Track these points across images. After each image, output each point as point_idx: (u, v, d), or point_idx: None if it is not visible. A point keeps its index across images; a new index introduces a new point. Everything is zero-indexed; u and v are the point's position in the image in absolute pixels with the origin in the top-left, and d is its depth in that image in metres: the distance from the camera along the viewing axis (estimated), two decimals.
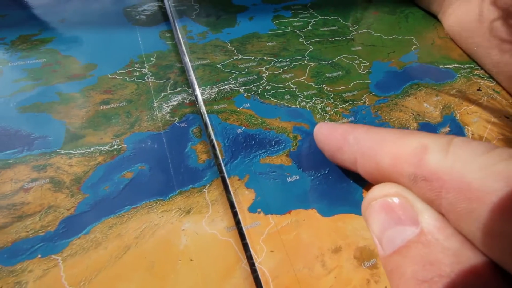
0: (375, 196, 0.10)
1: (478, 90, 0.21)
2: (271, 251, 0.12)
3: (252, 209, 0.13)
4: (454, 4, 0.22)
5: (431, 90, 0.20)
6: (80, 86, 0.15)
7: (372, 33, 0.23)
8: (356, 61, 0.20)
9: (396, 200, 0.10)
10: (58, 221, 0.11)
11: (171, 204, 0.13)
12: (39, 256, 0.11)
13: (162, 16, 0.20)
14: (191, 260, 0.12)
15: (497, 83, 0.21)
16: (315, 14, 0.23)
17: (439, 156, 0.09)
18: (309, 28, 0.21)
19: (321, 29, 0.22)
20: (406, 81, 0.20)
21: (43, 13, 0.18)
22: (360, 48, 0.21)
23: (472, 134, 0.18)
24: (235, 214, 0.13)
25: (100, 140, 0.14)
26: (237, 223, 0.13)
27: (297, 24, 0.22)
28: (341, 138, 0.12)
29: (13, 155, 0.12)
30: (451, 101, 0.20)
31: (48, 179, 0.12)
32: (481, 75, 0.22)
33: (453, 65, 0.22)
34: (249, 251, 0.12)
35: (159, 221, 0.12)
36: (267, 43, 0.20)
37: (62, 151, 0.13)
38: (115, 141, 0.14)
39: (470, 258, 0.08)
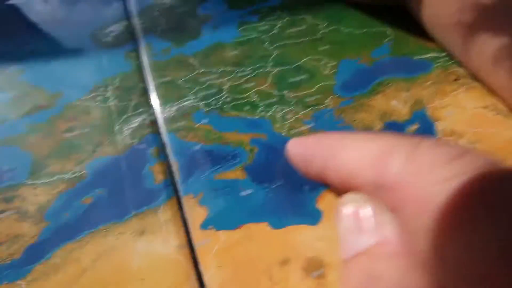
0: (345, 201, 0.10)
1: (456, 80, 0.19)
2: (219, 266, 0.12)
3: (204, 226, 0.13)
4: None
5: (402, 85, 0.18)
6: (47, 115, 0.16)
7: (343, 29, 0.21)
8: (322, 62, 0.19)
9: (362, 207, 0.09)
10: (23, 249, 0.12)
11: (126, 227, 0.13)
12: (6, 282, 0.11)
13: (128, 35, 0.19)
14: (142, 279, 0.12)
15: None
16: (283, 15, 0.21)
17: (403, 162, 0.08)
18: (274, 32, 0.20)
19: (287, 31, 0.20)
20: (375, 78, 0.18)
21: (15, 46, 0.18)
22: (328, 47, 0.20)
23: (444, 129, 0.17)
24: (187, 233, 0.13)
25: (63, 168, 0.14)
26: (189, 241, 0.13)
27: (263, 28, 0.20)
28: (309, 154, 0.11)
29: None
30: (423, 95, 0.18)
31: (15, 210, 0.13)
32: (460, 63, 0.20)
33: (429, 55, 0.20)
34: (199, 268, 0.12)
35: (115, 243, 0.12)
36: (230, 53, 0.19)
37: (28, 182, 0.13)
38: (77, 168, 0.14)
39: (412, 282, 0.07)
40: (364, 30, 0.21)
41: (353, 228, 0.09)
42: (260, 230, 0.13)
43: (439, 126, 0.17)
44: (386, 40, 0.21)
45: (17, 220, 0.13)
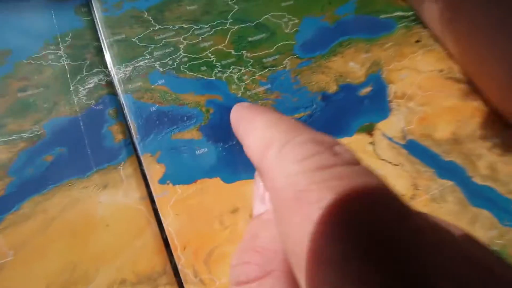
0: (257, 173, 0.12)
1: (417, 41, 0.21)
2: (177, 214, 0.15)
3: (162, 181, 0.16)
4: None
5: (363, 45, 0.20)
6: None
7: None
8: (285, 19, 0.20)
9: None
10: None
11: (89, 181, 0.15)
12: None
13: None
14: (107, 225, 0.15)
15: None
16: None
17: (274, 155, 0.09)
18: None
19: None
20: (336, 38, 0.20)
21: None
22: (291, 2, 0.21)
23: (396, 92, 0.19)
24: (147, 186, 0.16)
25: (21, 128, 0.16)
26: (149, 194, 0.16)
27: None
28: (236, 125, 0.14)
29: None
30: (382, 57, 0.20)
31: None
32: (424, 24, 0.21)
33: (395, 14, 0.22)
34: (159, 215, 0.15)
35: (79, 196, 0.15)
36: (188, 7, 0.20)
37: None
38: (35, 127, 0.16)
39: (275, 244, 0.09)
40: None
41: (260, 196, 0.12)
42: (213, 184, 0.16)
43: (392, 88, 0.19)
44: None
45: None
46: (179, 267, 0.15)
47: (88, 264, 0.14)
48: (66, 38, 0.18)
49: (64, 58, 0.17)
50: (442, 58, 0.21)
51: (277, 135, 0.10)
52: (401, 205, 0.07)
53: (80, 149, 0.16)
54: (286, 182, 0.08)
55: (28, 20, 0.18)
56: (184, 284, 0.14)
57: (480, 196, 0.17)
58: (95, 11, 0.19)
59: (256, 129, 0.11)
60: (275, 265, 0.09)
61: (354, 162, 0.08)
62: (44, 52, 0.17)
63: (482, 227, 0.17)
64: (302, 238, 0.07)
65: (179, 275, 0.15)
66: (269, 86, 0.18)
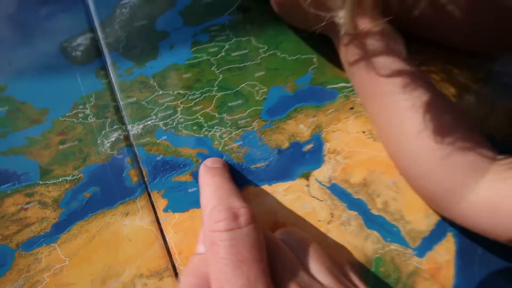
0: None
1: (351, 108, 0.29)
2: (175, 232, 0.23)
3: (166, 210, 0.24)
4: None
5: (311, 111, 0.28)
6: (40, 130, 0.23)
7: (279, 54, 0.29)
8: (256, 88, 0.27)
9: None
10: (50, 225, 0.21)
11: (116, 211, 0.23)
12: (44, 245, 0.21)
13: (95, 51, 0.25)
14: (130, 240, 0.23)
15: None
16: (231, 35, 0.28)
17: (207, 213, 0.18)
18: (222, 54, 0.27)
19: (233, 54, 0.27)
20: (293, 105, 0.28)
21: None
22: (263, 73, 0.28)
23: (329, 149, 0.28)
24: (155, 214, 0.24)
25: (64, 172, 0.22)
26: (157, 219, 0.24)
27: (212, 50, 0.27)
28: (199, 180, 0.23)
29: (9, 188, 0.21)
30: (323, 121, 0.28)
31: (37, 201, 0.22)
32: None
33: (339, 84, 0.29)
34: (163, 233, 0.23)
35: (110, 221, 0.22)
36: (184, 75, 0.26)
37: (41, 182, 0.22)
38: (75, 172, 0.23)
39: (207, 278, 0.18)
40: (296, 56, 0.29)
41: (202, 241, 0.21)
42: (199, 212, 0.24)
43: (327, 145, 0.28)
44: (311, 68, 0.29)
45: (40, 208, 0.22)
46: (176, 265, 0.23)
47: (118, 265, 0.22)
48: (91, 99, 0.24)
49: (90, 116, 0.24)
50: (366, 122, 0.29)
51: (211, 201, 0.19)
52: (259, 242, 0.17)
53: (108, 188, 0.23)
54: (209, 234, 0.18)
55: (59, 81, 0.24)
56: (180, 276, 0.23)
57: (373, 222, 0.27)
58: (111, 75, 0.25)
59: (205, 190, 0.20)
60: (207, 285, 0.18)
61: (247, 223, 0.17)
62: (74, 111, 0.24)
63: (372, 242, 0.27)
64: (213, 265, 0.17)
65: (176, 270, 0.23)
66: (241, 142, 0.26)
